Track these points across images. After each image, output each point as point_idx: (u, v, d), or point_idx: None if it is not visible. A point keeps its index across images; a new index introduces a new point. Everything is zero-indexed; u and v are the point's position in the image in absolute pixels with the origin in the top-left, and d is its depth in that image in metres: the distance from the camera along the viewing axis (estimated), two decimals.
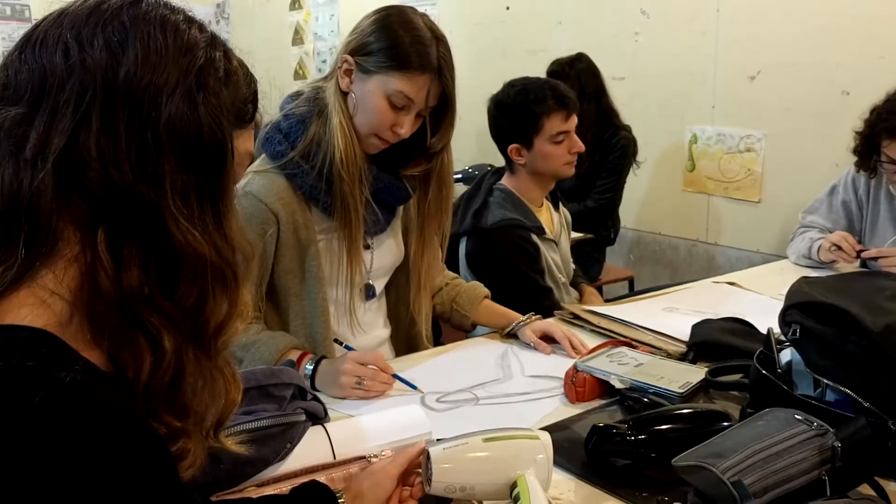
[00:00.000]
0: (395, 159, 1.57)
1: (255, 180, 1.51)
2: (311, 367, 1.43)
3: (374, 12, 1.49)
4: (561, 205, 2.28)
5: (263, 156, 1.54)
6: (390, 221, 1.64)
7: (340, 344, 1.54)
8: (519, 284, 2.01)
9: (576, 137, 2.08)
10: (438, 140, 1.53)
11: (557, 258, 2.16)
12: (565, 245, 2.25)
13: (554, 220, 2.21)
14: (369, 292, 1.64)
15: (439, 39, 1.46)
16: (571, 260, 2.29)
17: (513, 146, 2.07)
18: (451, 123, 1.53)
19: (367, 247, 1.61)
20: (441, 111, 1.51)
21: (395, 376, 1.44)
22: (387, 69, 1.43)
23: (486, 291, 1.82)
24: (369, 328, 1.66)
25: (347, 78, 1.48)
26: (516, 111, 2.07)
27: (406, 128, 1.47)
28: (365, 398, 1.40)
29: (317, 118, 1.49)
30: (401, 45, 1.43)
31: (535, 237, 2.07)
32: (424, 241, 1.65)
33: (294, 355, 1.45)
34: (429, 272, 1.68)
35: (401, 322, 1.73)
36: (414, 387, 1.44)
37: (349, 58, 1.47)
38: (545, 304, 1.95)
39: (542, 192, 2.17)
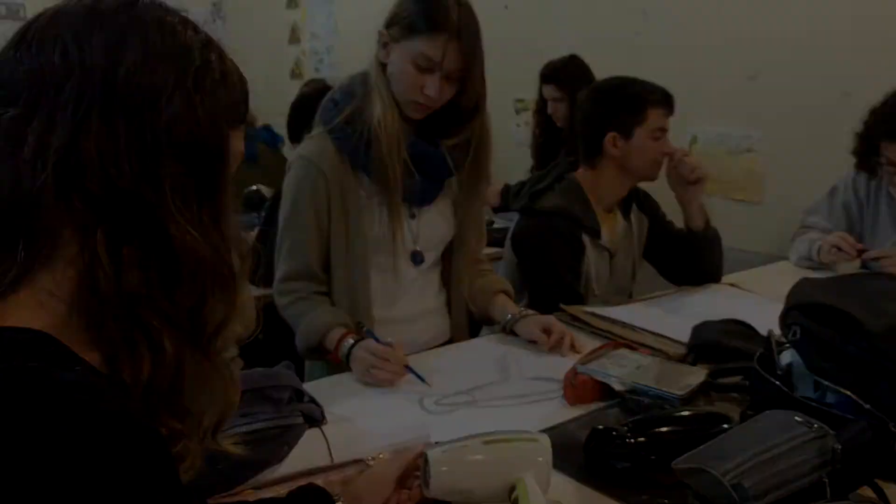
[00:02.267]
0: (437, 131, 1.63)
1: (308, 145, 1.65)
2: (348, 347, 1.51)
3: None
4: (636, 209, 2.15)
5: (319, 122, 1.66)
6: (436, 195, 1.69)
7: (362, 328, 1.58)
8: (546, 275, 1.97)
9: (668, 139, 2.01)
10: (467, 98, 1.58)
11: (604, 269, 2.05)
12: (624, 257, 2.11)
13: (618, 228, 2.10)
14: (416, 259, 1.70)
15: (461, 4, 1.53)
16: (631, 274, 2.15)
17: (610, 135, 1.99)
18: (476, 83, 1.57)
19: (413, 216, 1.68)
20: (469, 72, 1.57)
21: (408, 368, 1.47)
22: (410, 34, 1.53)
23: (508, 287, 1.83)
24: (417, 297, 1.73)
25: (384, 50, 1.59)
26: (620, 98, 2.01)
27: (432, 89, 1.53)
28: (376, 385, 1.46)
29: (362, 88, 1.61)
30: (422, 9, 1.52)
31: (585, 237, 2.00)
32: (467, 212, 1.73)
33: (338, 333, 1.54)
34: (473, 244, 1.78)
35: (450, 294, 1.79)
36: (423, 380, 1.46)
37: (384, 31, 1.58)
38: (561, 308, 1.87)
39: (617, 196, 2.08)
